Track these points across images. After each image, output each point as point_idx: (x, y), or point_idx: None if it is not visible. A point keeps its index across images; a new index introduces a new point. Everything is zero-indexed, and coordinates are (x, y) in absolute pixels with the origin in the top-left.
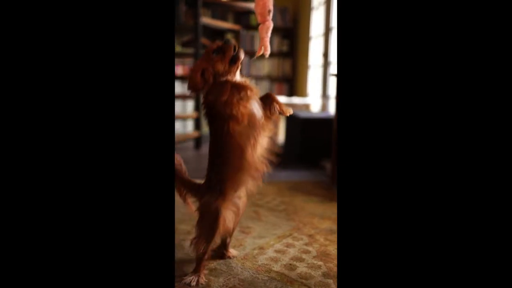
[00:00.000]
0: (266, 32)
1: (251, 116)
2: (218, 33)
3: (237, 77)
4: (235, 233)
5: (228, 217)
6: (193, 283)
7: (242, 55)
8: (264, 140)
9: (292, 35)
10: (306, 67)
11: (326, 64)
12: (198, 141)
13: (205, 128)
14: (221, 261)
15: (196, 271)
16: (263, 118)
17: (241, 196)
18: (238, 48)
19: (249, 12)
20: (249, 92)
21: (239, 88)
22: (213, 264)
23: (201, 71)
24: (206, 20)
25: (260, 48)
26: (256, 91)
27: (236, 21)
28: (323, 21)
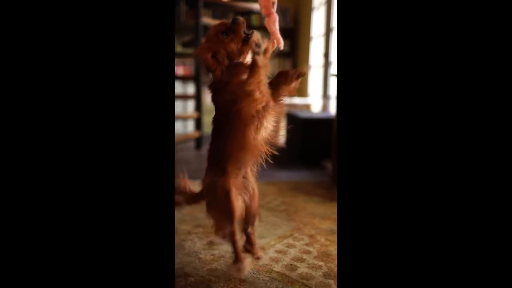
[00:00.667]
0: (274, 25)
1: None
2: None
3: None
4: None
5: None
6: (243, 271)
7: (255, 36)
8: (270, 123)
9: (293, 35)
10: (306, 67)
11: (326, 64)
12: (199, 141)
13: (206, 128)
14: (221, 261)
15: (237, 259)
16: (271, 99)
17: (248, 178)
18: (251, 30)
19: (250, 12)
20: (265, 73)
21: (257, 68)
22: (214, 264)
23: (212, 52)
24: (207, 20)
25: (273, 42)
26: (268, 69)
27: None
28: (324, 21)
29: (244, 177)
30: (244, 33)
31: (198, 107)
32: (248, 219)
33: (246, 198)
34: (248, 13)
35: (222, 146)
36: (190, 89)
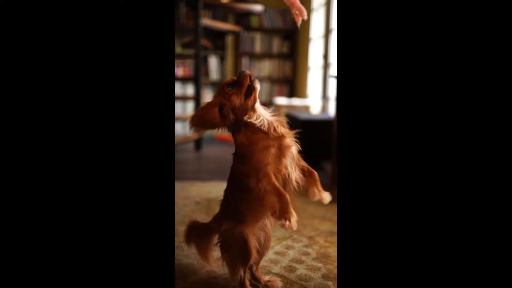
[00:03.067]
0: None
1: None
2: (218, 35)
3: (260, 111)
4: None
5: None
6: None
7: (257, 85)
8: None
9: (292, 37)
10: (306, 68)
11: (326, 66)
12: (198, 143)
13: None
14: (220, 263)
15: None
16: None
17: (265, 227)
18: (253, 78)
19: (250, 13)
20: (290, 142)
21: (282, 146)
22: (212, 266)
23: (218, 106)
24: (207, 21)
25: (296, 14)
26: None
27: (237, 22)
28: (323, 22)
29: (265, 224)
30: (249, 84)
31: (198, 107)
32: (257, 259)
33: (262, 240)
34: (248, 14)
35: (243, 203)
36: (190, 90)
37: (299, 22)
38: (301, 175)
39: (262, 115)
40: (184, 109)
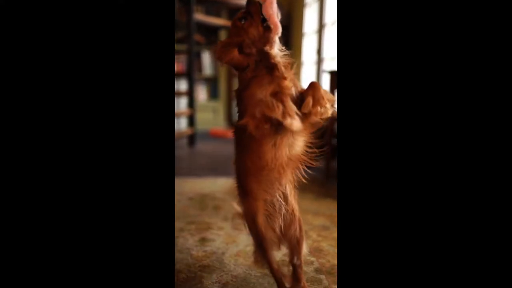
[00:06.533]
0: (270, 7)
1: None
2: (211, 30)
3: (276, 48)
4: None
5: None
6: None
7: (272, 11)
8: (298, 139)
9: (285, 32)
10: (299, 63)
11: (319, 61)
12: (192, 139)
13: (199, 126)
14: (214, 257)
15: None
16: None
17: (284, 200)
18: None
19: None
20: (289, 84)
21: (280, 77)
22: (206, 261)
23: (237, 47)
24: (200, 16)
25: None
26: (295, 81)
27: (230, 17)
28: (317, 17)
29: (278, 199)
30: (262, 15)
31: (191, 104)
32: (291, 248)
33: (281, 223)
34: (241, 9)
35: (242, 163)
36: (182, 85)
37: (271, 35)
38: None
39: (277, 51)
40: (178, 105)
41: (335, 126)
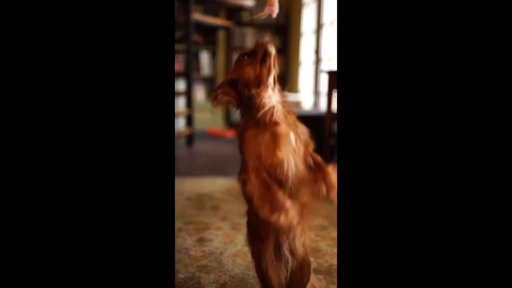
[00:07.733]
0: None
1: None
2: (209, 30)
3: (271, 91)
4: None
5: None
6: None
7: (272, 50)
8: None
9: (284, 32)
10: (297, 63)
11: (317, 61)
12: (190, 138)
13: (197, 125)
14: (212, 257)
15: None
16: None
17: (291, 245)
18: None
19: (241, 8)
20: (284, 130)
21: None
22: (204, 261)
23: (228, 81)
24: (198, 16)
25: (265, 9)
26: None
27: (228, 17)
28: (315, 17)
29: (288, 242)
30: (264, 56)
31: (189, 103)
32: None
33: (288, 264)
34: (239, 9)
35: (249, 209)
36: (181, 85)
37: (263, 15)
38: (308, 170)
39: (270, 95)
40: (176, 105)
41: (335, 126)
